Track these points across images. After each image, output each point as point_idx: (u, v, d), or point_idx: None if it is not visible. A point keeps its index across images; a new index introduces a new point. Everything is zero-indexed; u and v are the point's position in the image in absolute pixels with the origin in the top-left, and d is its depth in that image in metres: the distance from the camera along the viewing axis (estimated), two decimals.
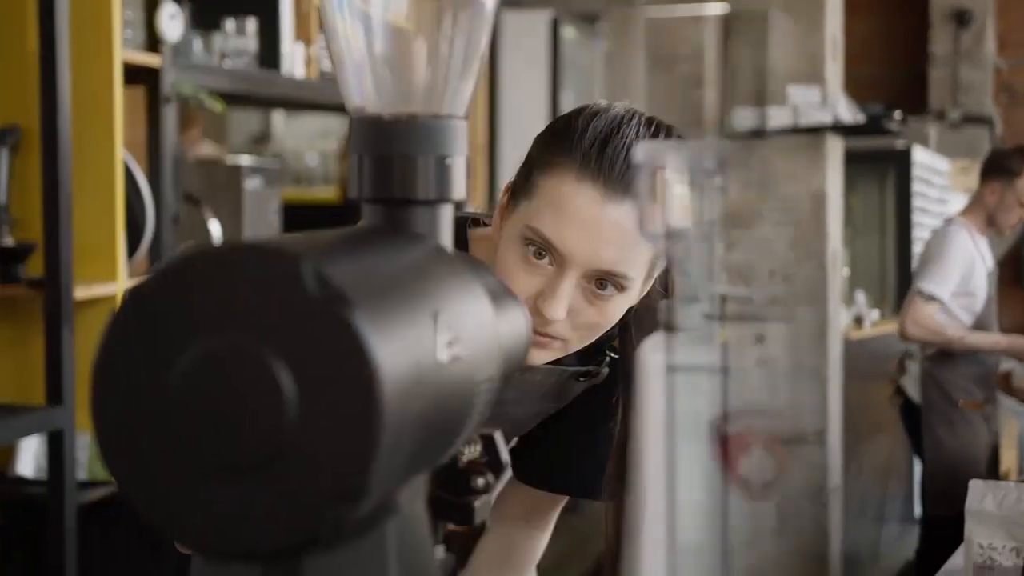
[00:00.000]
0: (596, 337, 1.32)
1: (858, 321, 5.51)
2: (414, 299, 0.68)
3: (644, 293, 1.36)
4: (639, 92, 5.48)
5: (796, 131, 4.61)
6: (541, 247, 1.26)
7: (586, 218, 1.24)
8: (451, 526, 1.02)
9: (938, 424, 4.33)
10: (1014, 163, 4.32)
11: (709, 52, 5.87)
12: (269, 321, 0.61)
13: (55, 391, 2.30)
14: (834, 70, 5.41)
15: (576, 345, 1.31)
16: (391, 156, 0.80)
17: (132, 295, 0.63)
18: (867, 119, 5.51)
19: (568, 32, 6.04)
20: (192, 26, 2.95)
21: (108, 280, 2.49)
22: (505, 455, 0.89)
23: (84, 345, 2.39)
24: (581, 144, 1.25)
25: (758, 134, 4.97)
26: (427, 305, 0.69)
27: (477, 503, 0.85)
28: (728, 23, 5.55)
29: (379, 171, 0.80)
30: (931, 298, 4.20)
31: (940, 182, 7.53)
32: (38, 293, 2.36)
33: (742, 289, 0.80)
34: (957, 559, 2.25)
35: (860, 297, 5.87)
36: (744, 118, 5.17)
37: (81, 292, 2.40)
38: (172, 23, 2.62)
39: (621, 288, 1.27)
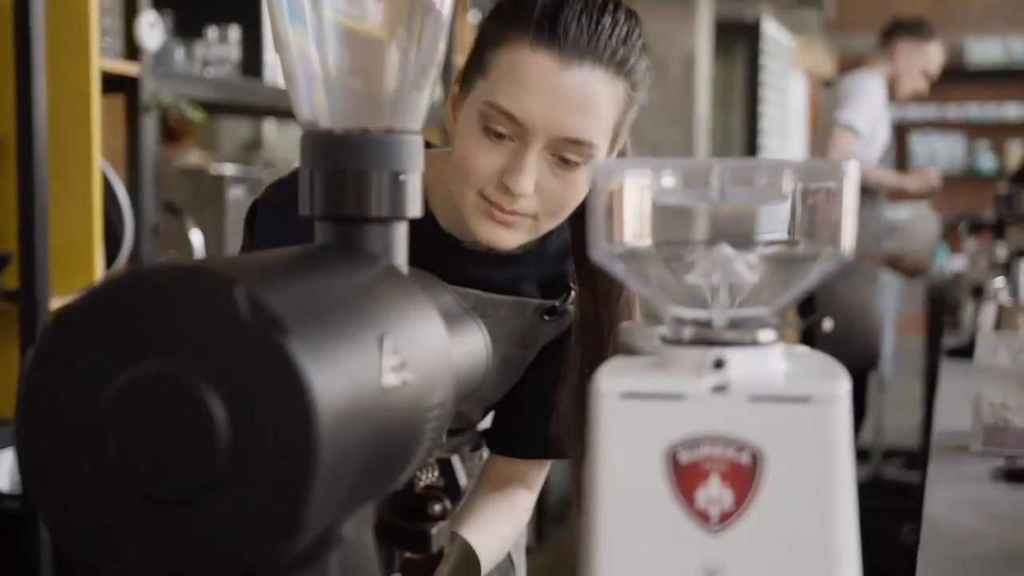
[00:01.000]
0: (565, 215, 1.29)
1: None
2: (358, 322, 0.65)
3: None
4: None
5: None
6: (501, 123, 1.23)
7: (545, 85, 1.21)
8: (408, 554, 1.00)
9: (839, 279, 4.37)
10: (923, 29, 4.40)
11: None
12: (201, 347, 0.58)
13: None
14: None
15: (547, 224, 1.28)
16: (343, 172, 0.77)
17: (59, 318, 0.60)
18: None
19: None
20: (174, 34, 2.93)
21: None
22: (463, 479, 0.87)
23: None
24: (532, 14, 1.23)
25: None
26: (373, 328, 0.66)
27: (434, 530, 0.83)
28: None
29: (331, 187, 0.77)
30: (849, 128, 4.24)
31: (785, 58, 7.54)
32: (13, 305, 2.33)
33: (701, 312, 0.77)
34: (958, 420, 2.06)
35: None
36: None
37: (58, 303, 2.37)
38: (152, 32, 2.59)
39: (587, 158, 1.24)
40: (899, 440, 5.71)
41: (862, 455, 5.48)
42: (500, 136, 1.23)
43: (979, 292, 3.19)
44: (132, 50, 2.61)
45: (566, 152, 1.23)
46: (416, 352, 0.70)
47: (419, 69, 0.80)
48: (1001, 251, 3.95)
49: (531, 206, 1.25)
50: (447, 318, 0.79)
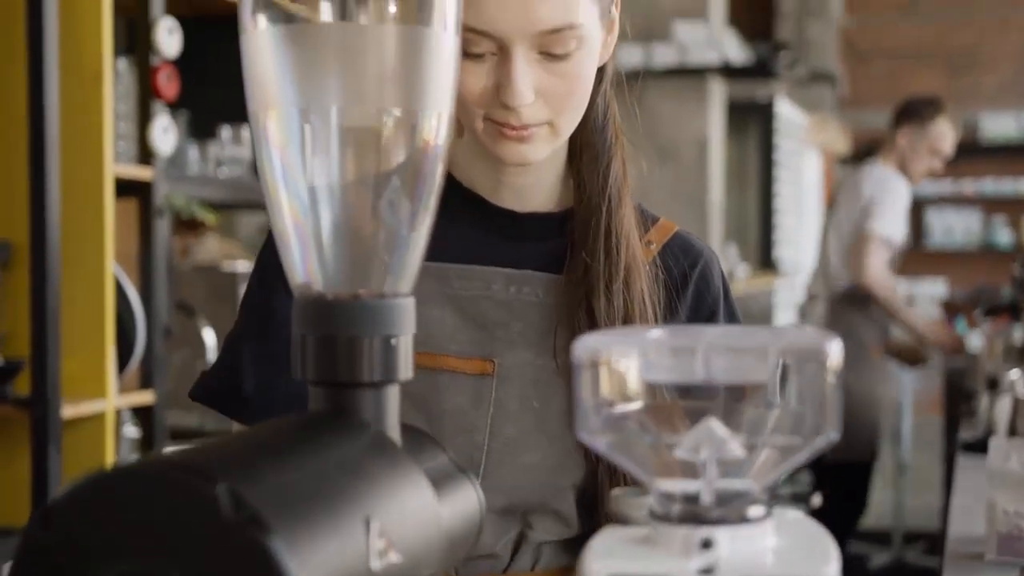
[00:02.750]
0: (581, 108, 1.19)
1: (729, 277, 5.51)
2: (345, 507, 0.65)
3: (609, 43, 1.24)
4: (643, 186, 5.49)
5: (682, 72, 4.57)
6: (474, 43, 1.13)
7: None
8: None
9: (845, 368, 4.32)
10: (927, 110, 4.38)
11: None
12: (183, 545, 0.58)
13: None
14: (718, 5, 5.38)
15: (566, 126, 1.19)
16: (335, 337, 0.78)
17: (42, 515, 0.60)
18: (756, 60, 5.50)
19: None
20: (188, 134, 2.96)
21: (97, 397, 2.46)
22: None
23: (72, 466, 2.37)
24: None
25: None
26: (359, 511, 0.66)
27: None
28: None
29: (322, 353, 0.78)
30: (886, 240, 4.21)
31: (799, 136, 7.56)
32: (25, 412, 2.33)
33: (689, 484, 0.76)
34: (974, 523, 2.02)
35: (732, 251, 5.83)
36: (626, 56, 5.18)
37: (69, 410, 2.38)
38: (165, 136, 2.62)
39: (578, 40, 1.15)
40: (921, 523, 5.65)
41: (883, 539, 5.43)
42: (480, 55, 1.15)
43: (994, 384, 3.16)
44: (146, 154, 2.64)
45: (551, 46, 1.14)
46: (404, 529, 0.70)
47: (408, 237, 0.80)
48: (1018, 334, 3.93)
49: (540, 113, 1.17)
50: (439, 480, 0.79)
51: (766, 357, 0.69)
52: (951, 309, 9.38)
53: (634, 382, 0.71)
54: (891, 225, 4.25)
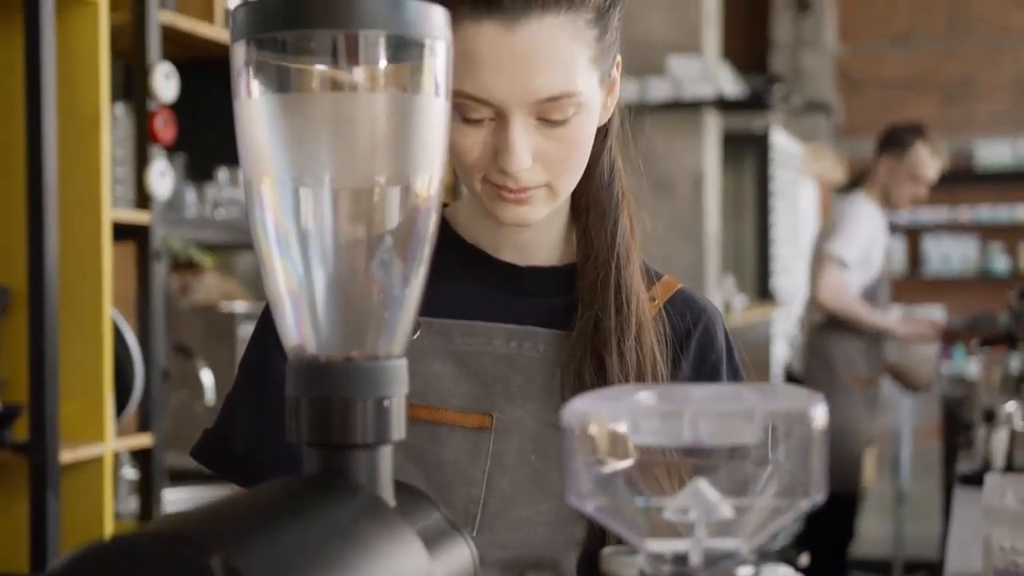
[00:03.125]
0: (578, 171, 1.19)
1: (725, 307, 5.47)
2: (338, 573, 0.66)
3: (610, 104, 1.23)
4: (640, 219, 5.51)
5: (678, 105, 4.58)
6: (473, 109, 1.14)
7: (496, 56, 1.12)
8: None
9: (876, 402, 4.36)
10: (905, 137, 4.40)
11: None
12: None
13: (39, 559, 2.27)
14: (712, 39, 5.41)
15: (565, 188, 1.19)
16: (329, 399, 0.79)
17: None
18: (751, 93, 5.53)
19: None
20: (185, 176, 2.98)
21: (96, 441, 2.47)
22: None
23: (70, 509, 2.37)
24: None
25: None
26: None
27: None
28: None
29: (316, 415, 0.79)
30: (837, 259, 4.23)
31: (795, 165, 7.58)
32: (23, 457, 2.34)
33: (678, 544, 0.76)
34: (971, 558, 2.03)
35: (729, 282, 5.84)
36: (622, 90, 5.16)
37: (68, 455, 2.39)
38: (162, 180, 2.63)
39: (576, 107, 1.14)
40: (921, 552, 5.65)
41: (884, 568, 5.42)
42: (479, 121, 1.15)
43: (991, 416, 3.17)
44: (143, 198, 2.65)
45: (549, 113, 1.14)
46: None
47: (401, 297, 0.81)
48: (1015, 363, 3.93)
49: (537, 177, 1.17)
50: (432, 538, 0.80)
51: (752, 420, 0.70)
52: (948, 337, 9.38)
53: (623, 445, 0.72)
54: (845, 246, 4.28)
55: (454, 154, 1.17)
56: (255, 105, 0.79)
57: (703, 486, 0.71)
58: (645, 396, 0.74)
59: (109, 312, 2.50)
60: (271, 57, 0.80)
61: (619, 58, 1.25)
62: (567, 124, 1.15)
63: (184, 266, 3.49)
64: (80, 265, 2.47)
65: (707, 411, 0.71)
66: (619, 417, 0.72)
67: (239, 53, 0.79)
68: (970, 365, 6.67)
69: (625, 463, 0.73)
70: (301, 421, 0.79)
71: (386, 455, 0.80)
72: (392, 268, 0.82)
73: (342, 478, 0.78)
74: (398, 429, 0.80)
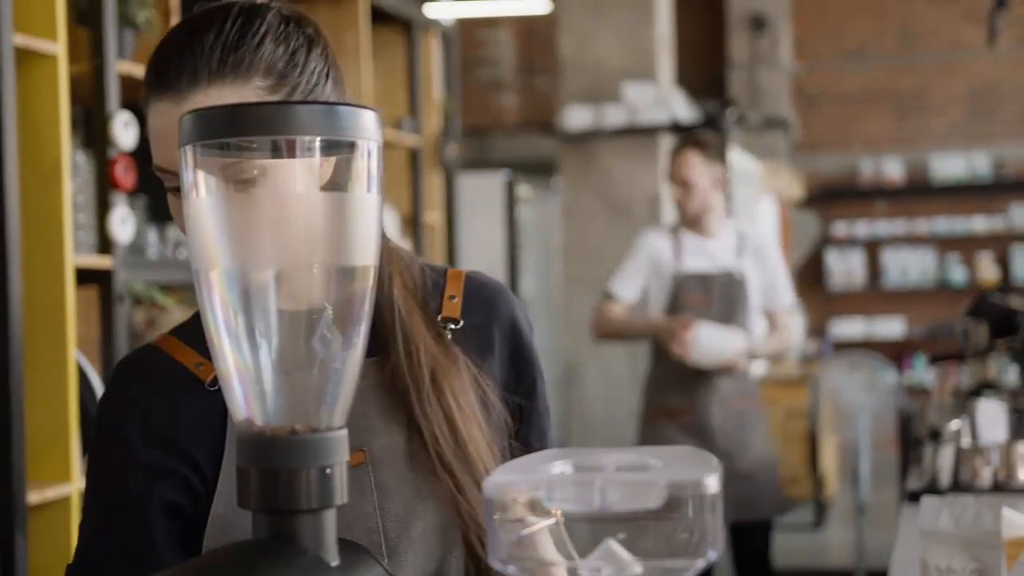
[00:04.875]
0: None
1: None
2: None
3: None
4: (598, 244, 5.61)
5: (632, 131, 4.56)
6: (168, 179, 1.20)
7: (171, 127, 1.16)
8: None
9: (641, 440, 4.19)
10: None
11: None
12: None
13: None
14: (666, 65, 5.49)
15: None
16: (276, 470, 0.86)
17: None
18: (704, 117, 5.58)
19: (523, 190, 6.18)
20: (147, 218, 3.04)
21: (63, 482, 2.53)
22: None
23: (38, 551, 2.43)
24: (151, 60, 1.22)
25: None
26: None
27: None
28: None
29: (264, 484, 0.86)
30: (608, 296, 4.12)
31: (753, 183, 7.67)
32: None
33: None
34: None
35: None
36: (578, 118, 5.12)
37: (35, 496, 2.44)
38: (123, 226, 2.70)
39: (260, 170, 1.09)
40: (884, 562, 5.73)
41: None
42: (178, 189, 1.17)
43: (936, 434, 3.26)
44: (105, 243, 2.71)
45: (239, 176, 1.09)
46: None
47: (341, 374, 0.89)
48: (966, 378, 4.02)
49: None
50: None
51: (655, 489, 0.78)
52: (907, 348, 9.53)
53: (539, 512, 0.79)
54: (617, 282, 4.17)
55: (179, 225, 1.20)
56: (202, 203, 0.87)
57: (614, 546, 0.79)
58: (560, 467, 0.82)
59: (73, 355, 2.55)
60: (216, 158, 0.88)
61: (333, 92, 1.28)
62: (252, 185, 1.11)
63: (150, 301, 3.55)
64: (44, 310, 2.52)
65: (615, 481, 0.78)
66: (535, 488, 0.79)
67: (188, 156, 0.86)
68: (928, 375, 6.78)
69: (542, 527, 0.80)
70: (250, 490, 0.87)
71: (330, 518, 0.88)
72: (332, 345, 0.90)
73: (289, 542, 0.86)
74: (340, 494, 0.88)
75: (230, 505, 1.23)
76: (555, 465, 0.82)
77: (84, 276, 2.67)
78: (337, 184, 0.88)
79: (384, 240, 1.35)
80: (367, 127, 0.87)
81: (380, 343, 1.31)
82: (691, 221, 4.13)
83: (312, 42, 1.25)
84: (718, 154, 4.10)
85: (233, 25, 1.21)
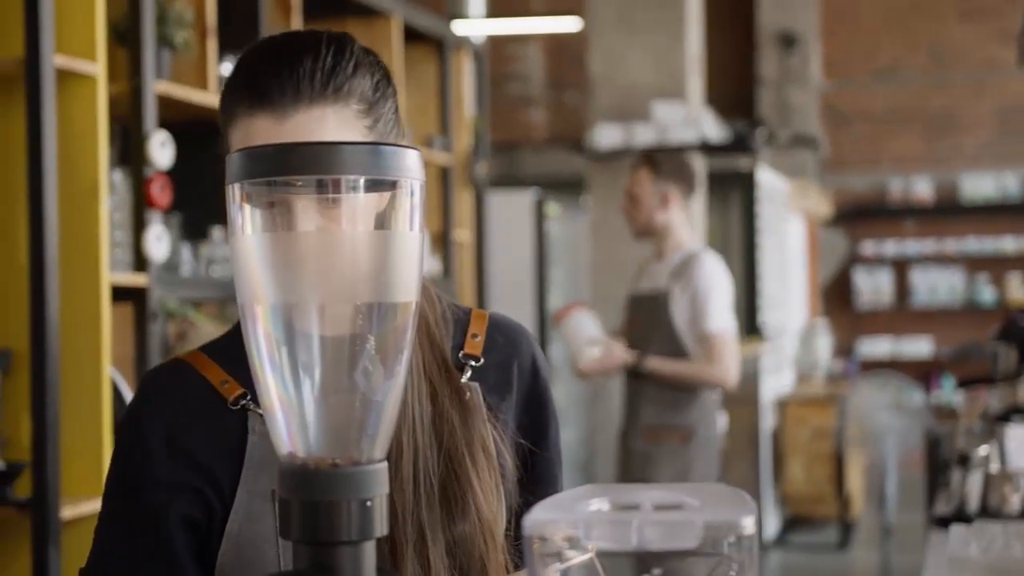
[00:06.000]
0: None
1: None
2: None
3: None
4: (626, 262, 5.60)
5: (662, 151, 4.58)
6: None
7: (258, 143, 1.16)
8: None
9: (628, 463, 4.10)
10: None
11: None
12: None
13: None
14: (696, 84, 5.48)
15: None
16: (317, 503, 0.88)
17: None
18: (734, 137, 5.56)
19: (552, 208, 6.20)
20: (181, 237, 3.07)
21: (96, 497, 2.55)
22: None
23: (72, 566, 2.45)
24: (239, 80, 1.23)
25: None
26: None
27: None
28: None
29: (306, 515, 0.88)
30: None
31: (781, 201, 7.65)
32: (26, 514, 2.42)
33: None
34: None
35: None
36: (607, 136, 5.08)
37: (69, 511, 2.47)
38: (159, 244, 2.73)
39: (347, 188, 1.08)
40: None
41: None
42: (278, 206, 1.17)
43: (965, 460, 3.25)
44: (140, 261, 2.74)
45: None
46: None
47: (381, 407, 0.91)
48: (995, 402, 4.00)
49: None
50: None
51: (692, 529, 0.79)
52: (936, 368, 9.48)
53: (577, 549, 0.81)
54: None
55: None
56: (248, 241, 0.89)
57: None
58: (597, 505, 0.83)
59: (108, 371, 2.58)
60: (263, 195, 0.90)
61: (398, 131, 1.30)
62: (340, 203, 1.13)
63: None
64: (80, 327, 2.55)
65: (652, 519, 0.80)
66: (574, 525, 0.81)
67: (235, 194, 0.88)
68: (956, 396, 6.76)
69: (578, 562, 0.82)
70: (292, 521, 0.88)
71: (370, 549, 0.89)
72: (373, 378, 0.92)
73: (329, 573, 0.87)
74: (380, 526, 0.89)
75: (244, 524, 1.24)
76: (592, 503, 0.83)
77: (119, 294, 2.70)
78: (381, 222, 0.90)
79: None
80: (410, 166, 0.89)
81: None
82: (639, 235, 4.12)
83: (388, 76, 1.29)
84: (671, 175, 4.03)
85: (328, 51, 1.23)
